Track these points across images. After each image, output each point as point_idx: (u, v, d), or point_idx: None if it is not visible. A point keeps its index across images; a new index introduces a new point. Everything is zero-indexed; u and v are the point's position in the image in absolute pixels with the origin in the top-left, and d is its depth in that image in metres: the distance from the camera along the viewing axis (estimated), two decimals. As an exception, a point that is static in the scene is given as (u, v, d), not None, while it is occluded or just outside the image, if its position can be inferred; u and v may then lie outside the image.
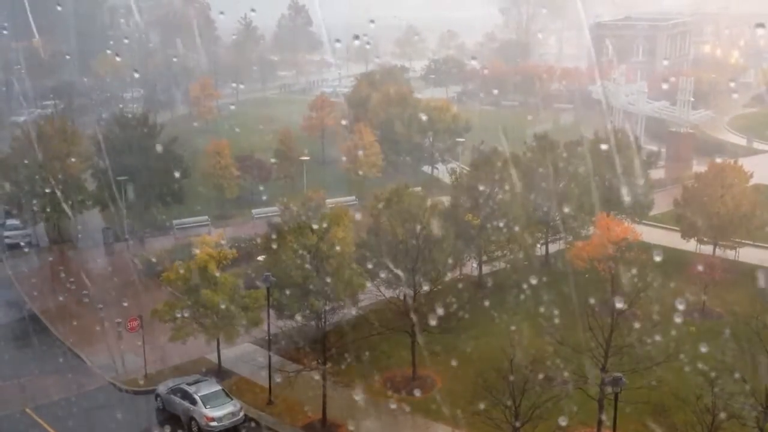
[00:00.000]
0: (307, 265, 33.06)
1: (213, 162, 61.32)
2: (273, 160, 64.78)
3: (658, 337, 26.61)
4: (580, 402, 27.16)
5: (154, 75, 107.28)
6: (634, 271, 30.07)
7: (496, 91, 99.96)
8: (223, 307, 34.37)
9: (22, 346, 41.55)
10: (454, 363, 32.91)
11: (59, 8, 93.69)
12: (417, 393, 33.63)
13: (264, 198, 57.78)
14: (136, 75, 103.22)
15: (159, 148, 56.19)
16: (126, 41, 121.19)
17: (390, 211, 37.19)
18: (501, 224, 42.23)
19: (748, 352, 24.66)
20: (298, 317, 33.74)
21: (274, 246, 35.75)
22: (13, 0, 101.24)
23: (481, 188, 43.39)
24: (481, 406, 26.61)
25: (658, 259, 28.42)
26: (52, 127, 57.41)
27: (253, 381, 35.91)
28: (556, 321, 29.34)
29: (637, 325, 27.47)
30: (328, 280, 32.62)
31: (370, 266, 36.17)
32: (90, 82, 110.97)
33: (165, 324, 35.90)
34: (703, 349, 25.46)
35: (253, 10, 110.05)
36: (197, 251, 36.57)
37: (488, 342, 34.43)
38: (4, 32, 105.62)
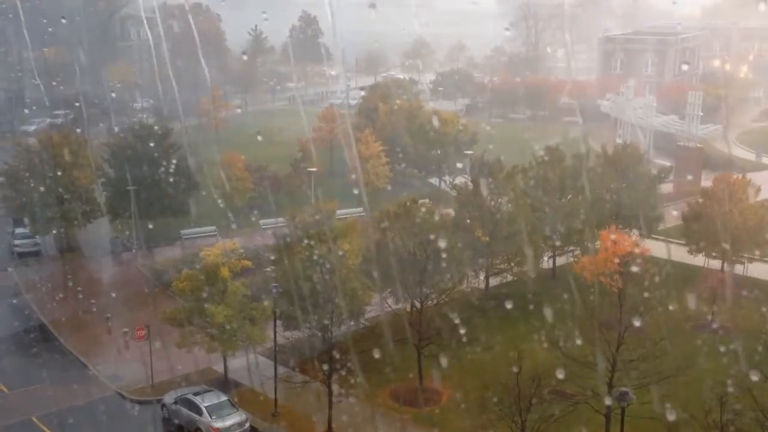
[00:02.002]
0: (315, 277, 33.08)
1: (224, 172, 61.32)
2: (287, 172, 64.98)
3: (665, 352, 26.51)
4: (587, 417, 27.02)
5: (163, 85, 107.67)
6: (641, 285, 30.00)
7: (504, 105, 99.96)
8: (226, 325, 34.23)
9: (29, 355, 41.53)
10: (460, 375, 32.81)
11: (68, 19, 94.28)
12: (423, 405, 33.55)
13: (273, 209, 57.76)
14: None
15: (172, 161, 56.28)
16: (136, 52, 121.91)
17: (399, 224, 37.20)
18: (507, 237, 42.17)
19: (756, 367, 24.54)
20: (305, 329, 33.77)
21: (282, 257, 35.79)
22: (24, 10, 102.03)
23: (486, 201, 43.40)
24: (488, 419, 26.52)
25: (665, 273, 28.39)
26: (62, 137, 57.67)
27: (259, 392, 35.81)
28: (563, 334, 29.24)
29: (644, 340, 27.38)
30: (335, 292, 32.62)
31: (377, 278, 36.16)
32: (100, 92, 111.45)
33: (172, 333, 35.91)
34: (711, 363, 25.37)
35: (264, 12, 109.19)
36: (208, 251, 36.53)
37: (495, 355, 34.35)
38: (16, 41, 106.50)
